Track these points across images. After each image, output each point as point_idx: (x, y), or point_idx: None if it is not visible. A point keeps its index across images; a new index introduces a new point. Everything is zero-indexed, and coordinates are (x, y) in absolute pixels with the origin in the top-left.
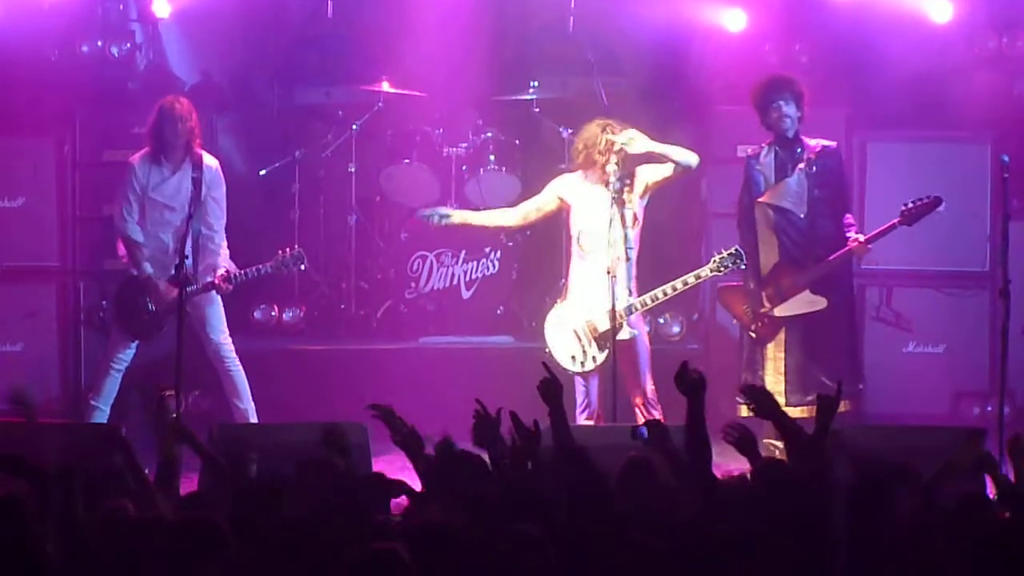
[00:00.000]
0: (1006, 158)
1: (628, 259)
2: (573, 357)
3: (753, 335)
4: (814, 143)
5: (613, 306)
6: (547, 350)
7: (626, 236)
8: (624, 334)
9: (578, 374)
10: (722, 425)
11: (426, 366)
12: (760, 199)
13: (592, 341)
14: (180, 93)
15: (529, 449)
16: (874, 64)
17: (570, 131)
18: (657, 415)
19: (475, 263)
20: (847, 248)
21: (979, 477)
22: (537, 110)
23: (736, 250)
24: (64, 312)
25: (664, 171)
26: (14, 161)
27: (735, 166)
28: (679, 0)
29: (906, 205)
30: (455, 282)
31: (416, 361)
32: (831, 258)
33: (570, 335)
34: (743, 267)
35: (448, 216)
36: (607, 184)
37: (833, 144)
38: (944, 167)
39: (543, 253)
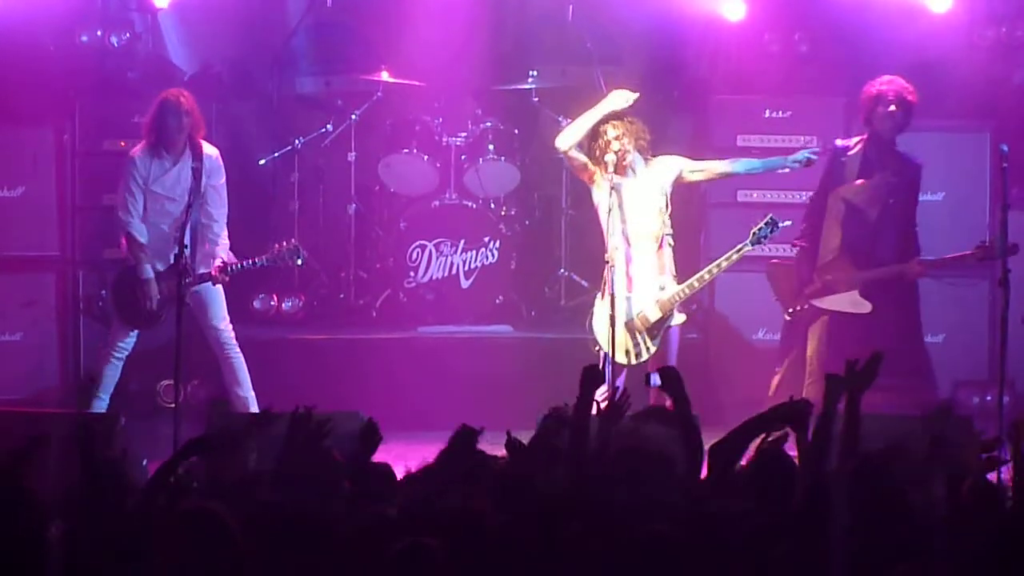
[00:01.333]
0: (1005, 147)
1: (670, 244)
2: (627, 351)
3: (788, 317)
4: (905, 156)
5: (612, 294)
6: (597, 349)
7: (665, 223)
8: (677, 319)
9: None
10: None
11: (425, 355)
12: (837, 190)
13: (644, 332)
14: (180, 83)
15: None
16: (873, 53)
17: (569, 120)
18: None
19: (474, 252)
20: (906, 264)
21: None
22: (536, 99)
23: (770, 218)
24: (63, 301)
25: (701, 167)
26: (14, 150)
27: (734, 155)
28: None
29: (983, 242)
30: (454, 271)
31: (415, 350)
32: (888, 268)
33: (621, 329)
34: (778, 231)
35: None
36: (627, 173)
37: (919, 161)
38: (943, 156)
39: (542, 242)
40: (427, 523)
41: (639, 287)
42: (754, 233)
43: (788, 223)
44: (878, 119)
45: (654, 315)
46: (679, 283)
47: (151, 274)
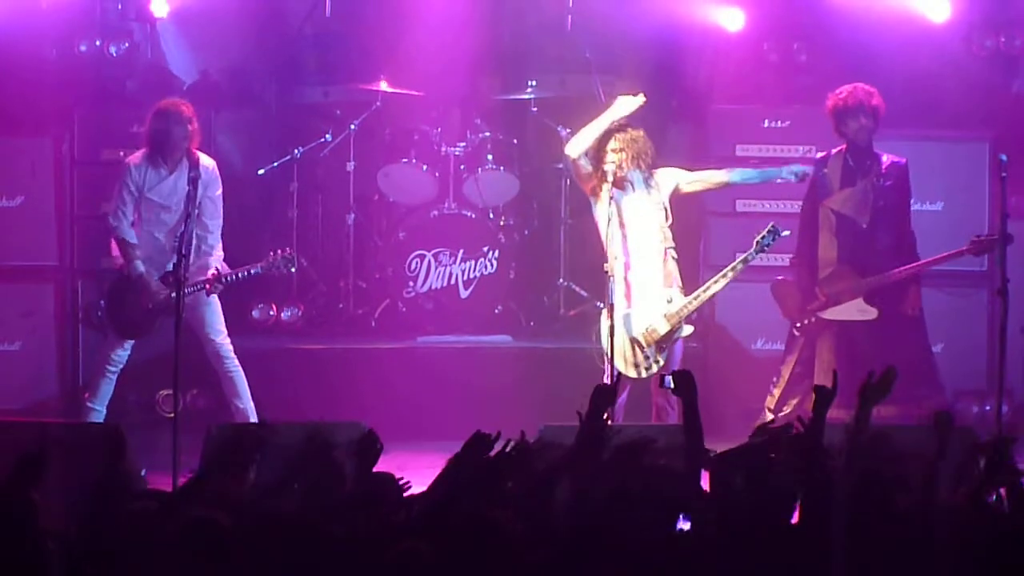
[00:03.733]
0: (1004, 157)
1: (674, 257)
2: (636, 365)
3: (797, 332)
4: (886, 157)
5: (610, 306)
6: (605, 364)
7: (667, 236)
8: (686, 331)
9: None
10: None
11: (424, 365)
12: (825, 202)
13: (653, 346)
14: (178, 92)
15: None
16: (872, 63)
17: (568, 130)
18: (673, 419)
19: (473, 262)
20: (906, 268)
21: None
22: (535, 109)
23: (772, 227)
24: (62, 311)
25: (698, 177)
26: (12, 160)
27: (733, 165)
28: None
29: (978, 236)
30: (453, 281)
31: (414, 360)
32: (893, 272)
33: (627, 344)
34: (780, 239)
35: None
36: (625, 187)
37: (903, 160)
38: (942, 166)
39: (541, 252)
40: (442, 529)
41: (644, 301)
42: (757, 242)
43: (787, 232)
44: (850, 131)
45: (663, 328)
46: (685, 294)
47: (143, 270)
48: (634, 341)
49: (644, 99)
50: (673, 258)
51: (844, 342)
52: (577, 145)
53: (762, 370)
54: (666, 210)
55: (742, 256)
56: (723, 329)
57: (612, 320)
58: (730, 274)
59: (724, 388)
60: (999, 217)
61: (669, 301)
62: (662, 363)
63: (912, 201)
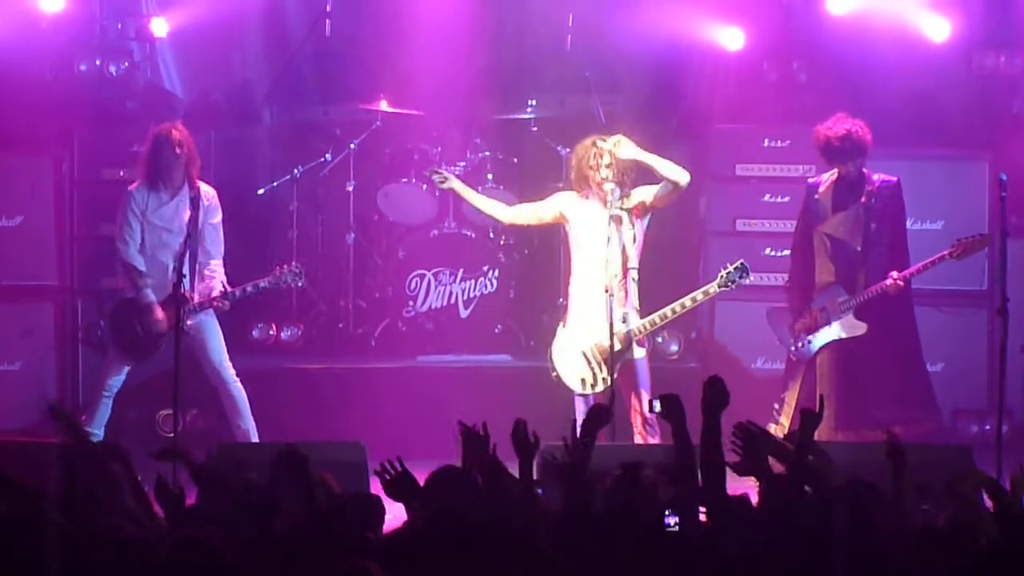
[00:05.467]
0: (1004, 176)
1: (634, 279)
2: (583, 380)
3: (794, 358)
4: (876, 177)
5: (611, 324)
6: (555, 374)
7: (630, 256)
8: (637, 353)
9: (584, 396)
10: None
11: (424, 384)
12: (818, 228)
13: (602, 363)
14: (178, 111)
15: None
16: (872, 82)
17: (568, 150)
18: (655, 440)
19: (473, 281)
20: (880, 284)
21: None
22: (535, 129)
23: (741, 263)
24: (62, 330)
25: (659, 190)
26: (12, 179)
27: (733, 185)
28: (677, 19)
29: (958, 240)
30: (453, 300)
31: (414, 379)
32: (867, 291)
33: (578, 358)
34: (748, 281)
35: (447, 180)
36: (605, 203)
37: (893, 179)
38: (942, 185)
39: (541, 271)
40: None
41: (597, 318)
42: (722, 276)
43: (773, 252)
44: (843, 170)
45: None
46: (641, 316)
47: (152, 298)
48: (583, 355)
49: None
50: (634, 280)
51: (843, 363)
52: (503, 214)
53: (762, 389)
54: (634, 230)
55: (704, 288)
56: (723, 348)
57: (612, 340)
58: (688, 303)
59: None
60: (999, 236)
61: (623, 320)
62: (609, 381)
63: (911, 220)
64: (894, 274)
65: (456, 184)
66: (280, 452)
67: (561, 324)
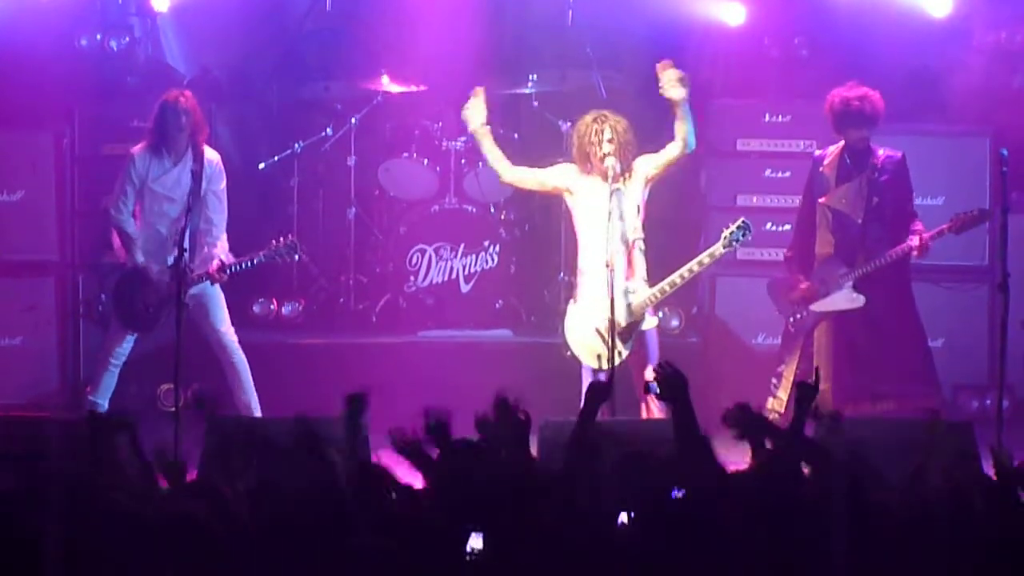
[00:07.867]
0: (1005, 152)
1: (641, 249)
2: (599, 356)
3: (792, 328)
4: (881, 151)
5: (612, 299)
6: (569, 353)
7: (635, 227)
8: (648, 323)
9: (602, 371)
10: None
11: (425, 360)
12: (821, 200)
13: (616, 337)
14: (179, 87)
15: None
16: (873, 58)
17: (569, 124)
18: (660, 414)
19: (474, 257)
20: (901, 247)
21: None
22: (536, 104)
23: (743, 222)
24: (63, 306)
25: (660, 159)
26: (13, 155)
27: (734, 160)
28: None
29: (957, 214)
30: (454, 276)
31: (415, 355)
32: (886, 255)
33: (592, 335)
34: (750, 237)
35: (473, 123)
36: (606, 177)
37: (898, 154)
38: (943, 161)
39: (542, 247)
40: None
41: (607, 292)
42: (725, 236)
43: (765, 228)
44: (851, 139)
45: (624, 319)
46: (651, 287)
47: (142, 259)
48: (597, 331)
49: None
50: (640, 250)
51: (843, 337)
52: (506, 169)
53: (762, 365)
54: (637, 203)
55: (708, 250)
56: (723, 324)
57: (613, 313)
58: (695, 267)
59: (724, 383)
60: (1000, 211)
61: (632, 292)
62: (625, 354)
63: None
64: (914, 239)
65: (478, 125)
66: (299, 429)
67: (572, 301)
